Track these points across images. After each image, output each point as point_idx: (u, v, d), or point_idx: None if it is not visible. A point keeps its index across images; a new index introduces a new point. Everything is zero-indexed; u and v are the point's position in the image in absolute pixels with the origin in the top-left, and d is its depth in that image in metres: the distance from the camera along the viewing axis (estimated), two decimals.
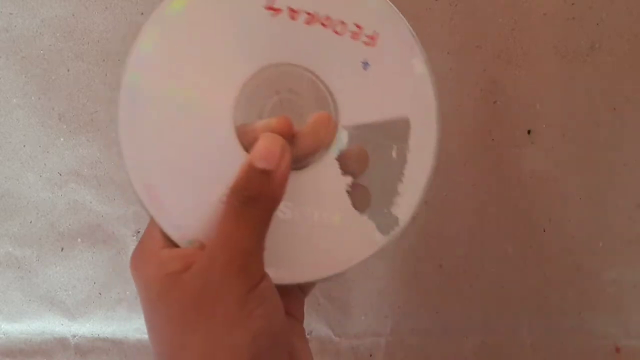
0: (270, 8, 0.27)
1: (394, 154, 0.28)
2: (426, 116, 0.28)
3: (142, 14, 0.42)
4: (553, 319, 0.41)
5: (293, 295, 0.29)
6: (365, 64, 0.28)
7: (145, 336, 0.41)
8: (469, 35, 0.41)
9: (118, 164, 0.42)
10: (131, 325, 0.42)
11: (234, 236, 0.24)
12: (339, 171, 0.28)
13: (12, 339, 0.42)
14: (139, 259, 0.26)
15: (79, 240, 0.42)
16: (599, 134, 0.41)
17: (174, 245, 0.26)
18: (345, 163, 0.28)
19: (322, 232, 0.27)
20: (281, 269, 0.27)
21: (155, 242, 0.26)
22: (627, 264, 0.41)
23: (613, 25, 0.41)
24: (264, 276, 0.24)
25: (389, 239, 0.28)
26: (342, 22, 0.28)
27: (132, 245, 0.42)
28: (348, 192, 0.28)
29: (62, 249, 0.42)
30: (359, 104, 0.28)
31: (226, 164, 0.26)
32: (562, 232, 0.41)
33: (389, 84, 0.28)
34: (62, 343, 0.42)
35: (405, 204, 0.28)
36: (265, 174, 0.24)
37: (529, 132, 0.41)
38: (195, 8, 0.27)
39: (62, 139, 0.42)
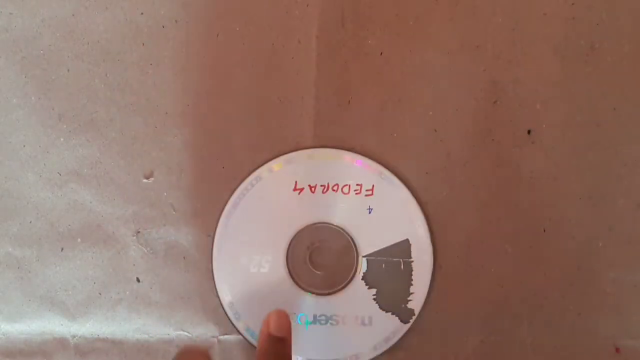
0: (296, 189, 0.41)
1: (402, 267, 0.40)
2: (420, 235, 0.41)
3: (142, 14, 0.42)
4: (553, 319, 0.41)
5: None
6: (370, 210, 0.41)
7: (145, 336, 0.42)
8: (469, 35, 0.41)
9: (118, 164, 0.42)
10: (131, 325, 0.42)
11: None
12: (366, 287, 0.41)
13: (12, 339, 0.42)
14: None
15: (79, 240, 0.42)
16: (599, 134, 0.41)
17: None
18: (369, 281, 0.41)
19: (361, 329, 0.41)
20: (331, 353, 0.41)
21: None
22: (627, 264, 0.41)
23: (613, 25, 0.41)
24: None
25: (409, 325, 0.41)
26: (347, 185, 0.41)
27: (131, 245, 0.42)
28: (374, 299, 0.41)
29: (62, 249, 0.42)
30: (370, 237, 0.41)
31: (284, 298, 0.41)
32: (562, 232, 0.41)
33: (389, 219, 0.41)
34: (62, 343, 0.42)
35: (417, 299, 0.41)
36: (281, 340, 0.34)
37: (529, 132, 0.41)
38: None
39: (62, 139, 0.42)
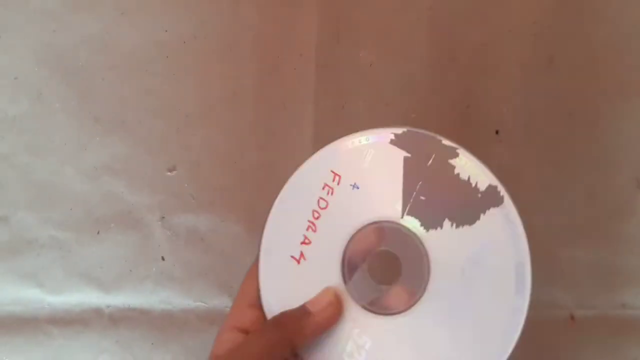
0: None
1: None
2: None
3: (165, 31, 0.48)
4: None
5: None
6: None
7: (168, 306, 0.48)
8: (446, 50, 0.47)
9: (145, 159, 0.48)
10: (156, 297, 0.47)
11: (249, 346, 0.28)
12: None
13: (55, 309, 0.47)
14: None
15: (112, 225, 0.47)
16: (556, 135, 0.47)
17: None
18: None
19: None
20: None
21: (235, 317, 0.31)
22: (581, 245, 0.47)
23: (568, 41, 0.47)
24: None
25: None
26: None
27: (157, 229, 0.48)
28: None
29: (97, 232, 0.47)
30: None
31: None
32: (523, 218, 0.46)
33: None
34: (97, 313, 0.47)
35: None
36: (306, 312, 0.28)
37: (497, 132, 0.48)
38: None
39: (97, 138, 0.48)
